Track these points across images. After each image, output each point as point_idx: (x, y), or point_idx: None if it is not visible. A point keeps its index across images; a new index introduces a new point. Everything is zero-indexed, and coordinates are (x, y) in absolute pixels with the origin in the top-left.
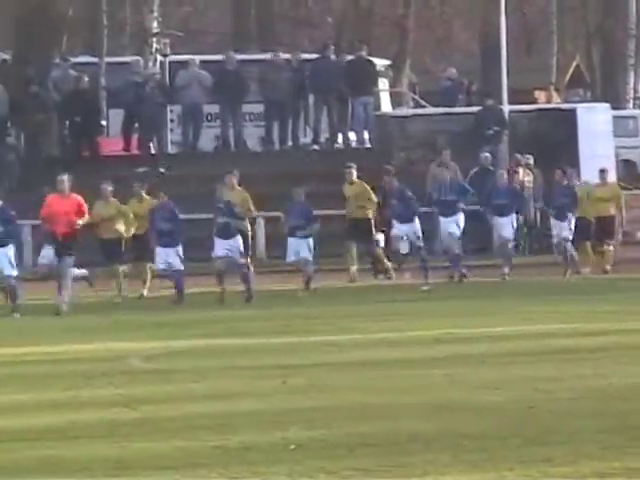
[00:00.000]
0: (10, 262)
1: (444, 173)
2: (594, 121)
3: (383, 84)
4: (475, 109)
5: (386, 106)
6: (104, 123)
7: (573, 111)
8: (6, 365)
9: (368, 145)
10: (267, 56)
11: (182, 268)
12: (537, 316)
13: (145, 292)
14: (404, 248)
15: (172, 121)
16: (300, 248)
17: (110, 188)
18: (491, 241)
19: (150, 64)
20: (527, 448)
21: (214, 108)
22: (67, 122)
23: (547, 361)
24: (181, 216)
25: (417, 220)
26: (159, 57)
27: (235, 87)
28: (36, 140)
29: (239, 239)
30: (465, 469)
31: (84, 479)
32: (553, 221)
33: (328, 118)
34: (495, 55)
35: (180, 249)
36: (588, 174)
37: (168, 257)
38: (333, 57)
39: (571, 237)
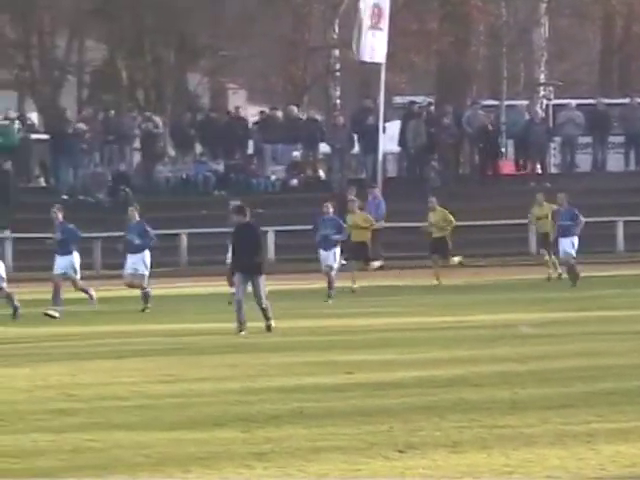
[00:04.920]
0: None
1: None
2: None
3: None
4: None
5: None
6: (503, 150)
7: None
8: (427, 330)
9: None
10: (626, 100)
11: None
12: None
13: None
14: None
15: (554, 149)
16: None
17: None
18: None
19: (537, 106)
20: None
21: (586, 139)
22: (475, 149)
23: None
24: None
25: None
26: (544, 101)
27: (603, 124)
28: (452, 162)
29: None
30: None
31: (485, 418)
32: None
33: None
34: None
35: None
36: None
37: None
38: None
39: None
